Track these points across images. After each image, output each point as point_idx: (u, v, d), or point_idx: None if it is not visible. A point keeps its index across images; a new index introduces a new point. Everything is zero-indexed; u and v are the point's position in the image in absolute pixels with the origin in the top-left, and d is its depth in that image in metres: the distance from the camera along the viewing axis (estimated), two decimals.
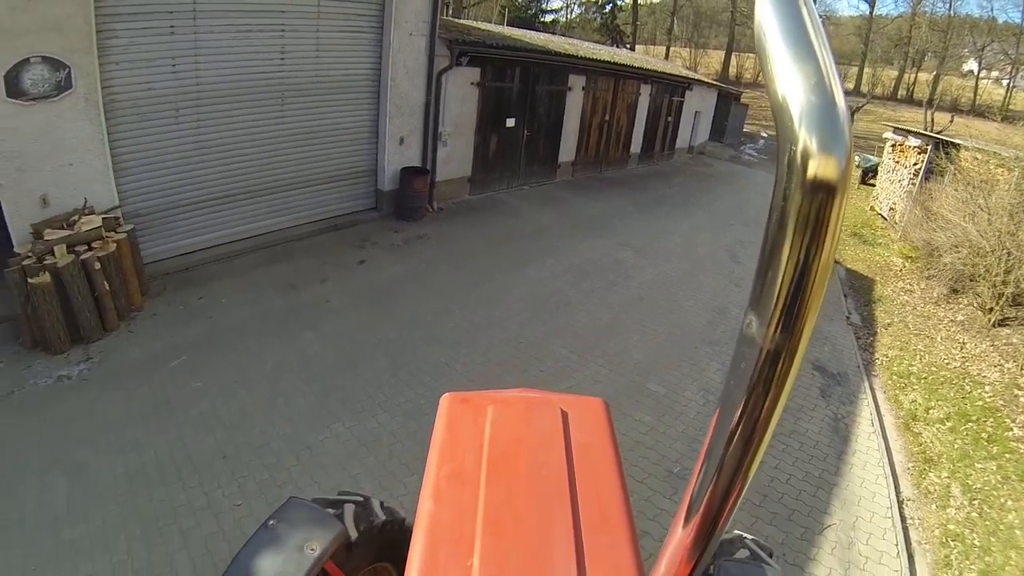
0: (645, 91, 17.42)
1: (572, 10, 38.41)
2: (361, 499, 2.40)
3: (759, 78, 44.45)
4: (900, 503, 5.18)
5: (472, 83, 11.68)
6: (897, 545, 4.61)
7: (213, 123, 8.74)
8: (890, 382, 7.23)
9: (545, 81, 13.42)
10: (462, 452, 1.81)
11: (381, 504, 2.45)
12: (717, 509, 0.93)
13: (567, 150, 15.04)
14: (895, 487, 5.32)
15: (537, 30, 25.11)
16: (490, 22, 25.79)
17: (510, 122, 12.70)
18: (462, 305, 7.53)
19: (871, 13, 43.96)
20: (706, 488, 0.93)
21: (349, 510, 2.27)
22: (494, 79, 12.11)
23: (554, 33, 28.31)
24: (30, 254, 6.60)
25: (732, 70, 44.50)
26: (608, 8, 38.72)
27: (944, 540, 4.89)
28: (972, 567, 4.65)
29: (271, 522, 2.06)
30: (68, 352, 6.28)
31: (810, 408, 6.11)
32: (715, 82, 25.45)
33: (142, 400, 5.47)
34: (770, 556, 2.24)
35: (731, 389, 0.83)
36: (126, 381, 5.79)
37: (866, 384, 6.93)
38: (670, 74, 19.16)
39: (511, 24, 26.71)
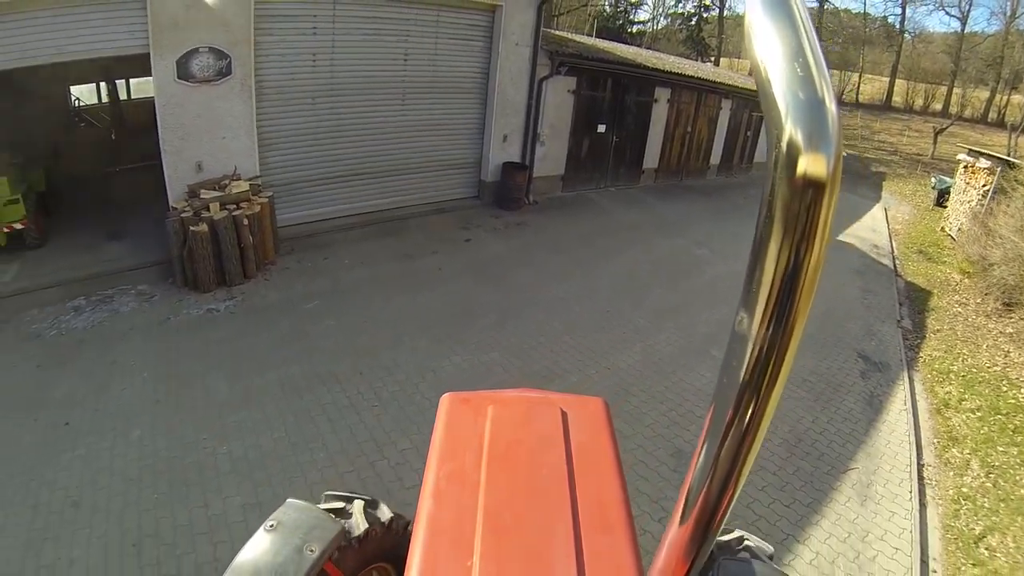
0: (726, 105, 18.12)
1: (658, 21, 38.95)
2: (360, 500, 2.44)
3: (843, 95, 43.57)
4: (920, 466, 6.00)
5: (568, 90, 12.84)
6: (911, 491, 5.46)
7: (343, 112, 10.14)
8: (929, 376, 7.96)
9: (633, 92, 14.44)
10: (462, 452, 1.82)
11: (378, 505, 2.49)
12: (713, 506, 0.93)
13: (651, 157, 15.96)
14: (917, 452, 6.13)
15: (625, 42, 25.95)
16: (581, 32, 26.80)
17: (601, 128, 13.81)
18: (557, 280, 8.74)
19: (962, 31, 42.17)
20: (702, 485, 0.92)
21: (348, 510, 2.31)
22: (588, 88, 13.24)
23: (640, 44, 29.00)
24: (187, 208, 7.99)
25: None
26: (694, 21, 39.02)
27: (956, 499, 5.68)
28: (979, 522, 5.43)
29: (270, 524, 2.07)
30: (214, 292, 7.75)
31: (849, 384, 6.97)
32: None
33: (284, 330, 6.87)
34: (770, 558, 2.24)
35: (724, 386, 0.82)
36: (267, 316, 7.20)
37: (905, 374, 7.66)
38: (751, 90, 19.72)
39: (599, 34, 27.60)
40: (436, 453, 1.83)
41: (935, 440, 6.57)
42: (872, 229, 15.89)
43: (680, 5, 40.27)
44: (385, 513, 2.43)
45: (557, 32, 17.58)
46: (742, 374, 0.77)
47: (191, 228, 7.62)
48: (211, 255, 7.82)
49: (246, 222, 8.01)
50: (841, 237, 14.14)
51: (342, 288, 8.04)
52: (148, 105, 17.87)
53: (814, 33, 0.66)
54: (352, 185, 10.54)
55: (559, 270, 9.16)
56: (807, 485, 5.17)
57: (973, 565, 5.00)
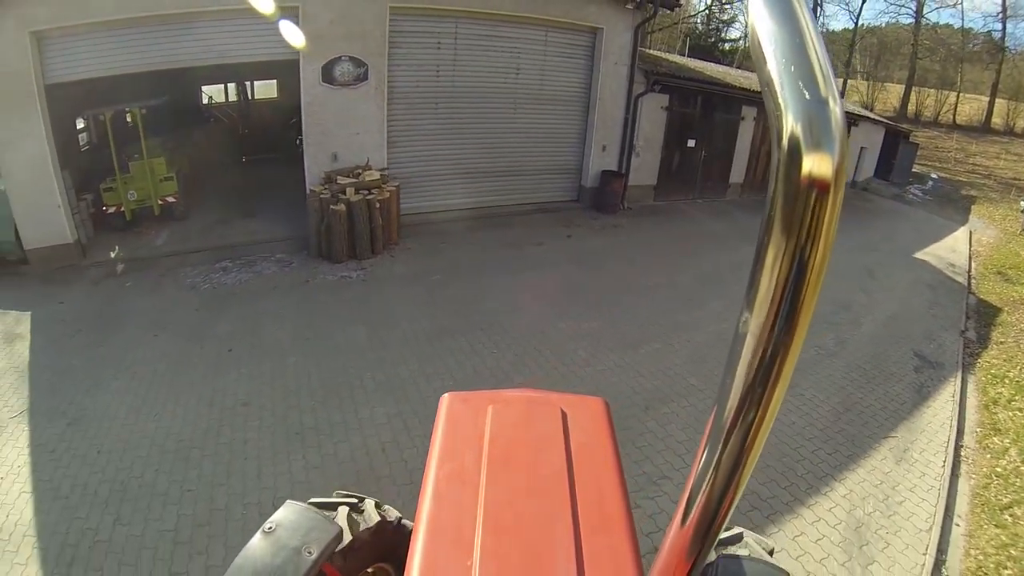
0: None
1: (749, 39, 38.95)
2: (357, 501, 2.44)
3: (939, 115, 41.97)
4: (959, 445, 6.70)
5: (661, 107, 13.88)
6: (945, 462, 6.19)
7: (462, 117, 11.60)
8: (983, 378, 8.50)
9: (721, 109, 15.31)
10: (462, 452, 1.81)
11: (377, 505, 2.50)
12: (715, 507, 0.92)
13: (737, 172, 16.68)
14: (958, 435, 6.79)
15: (716, 60, 26.53)
16: (673, 49, 27.59)
17: (691, 143, 14.79)
18: (647, 272, 9.94)
19: None
20: (704, 486, 0.91)
21: (344, 512, 2.30)
22: (680, 105, 14.23)
23: (731, 62, 29.41)
24: (326, 191, 9.55)
25: (911, 106, 42.19)
26: None
27: (989, 475, 6.31)
28: (1008, 495, 5.99)
29: (269, 526, 2.07)
30: (346, 263, 9.32)
31: (900, 375, 7.73)
32: (883, 119, 25.41)
33: (410, 296, 8.36)
34: (771, 554, 2.27)
35: (727, 387, 0.81)
36: (395, 284, 8.67)
37: (959, 374, 8.21)
38: None
39: (691, 51, 28.26)
40: (436, 452, 1.84)
41: (978, 429, 7.23)
42: (952, 249, 15.99)
43: None
44: (391, 514, 2.46)
45: (651, 51, 18.60)
46: (745, 376, 0.77)
47: (331, 207, 9.22)
48: (346, 232, 9.37)
49: (377, 206, 9.57)
50: (918, 255, 14.42)
51: (459, 267, 9.51)
52: (270, 105, 20.25)
53: (817, 32, 0.65)
54: (467, 182, 12.03)
55: (649, 265, 10.36)
56: (849, 442, 6.13)
57: (996, 526, 5.68)
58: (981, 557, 5.33)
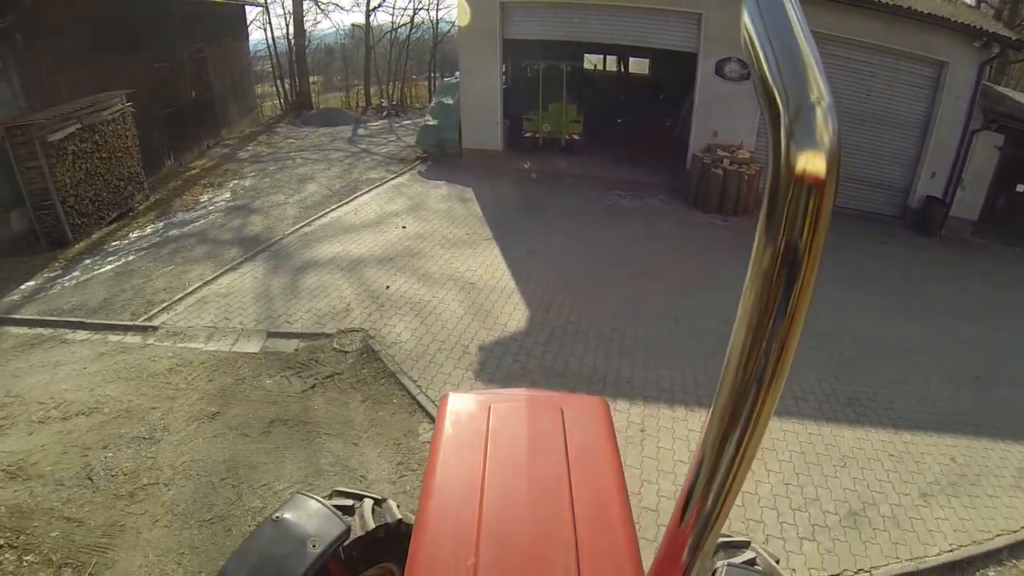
0: None
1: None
2: (372, 500, 2.46)
3: None
4: None
5: (995, 146, 13.85)
6: None
7: None
8: None
9: None
10: (463, 451, 1.86)
11: (380, 503, 2.49)
12: (713, 506, 0.91)
13: None
14: None
15: None
16: None
17: (1020, 187, 14.76)
18: (934, 294, 10.93)
19: None
20: (702, 485, 0.91)
21: (356, 509, 2.32)
22: (1015, 147, 14.10)
23: None
24: (707, 157, 12.25)
25: None
26: None
27: None
28: None
29: (276, 516, 2.09)
30: (713, 214, 12.07)
31: None
32: None
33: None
34: (776, 562, 2.29)
35: (725, 384, 0.81)
36: (747, 238, 11.22)
37: None
38: None
39: None
40: (437, 452, 1.88)
41: None
42: None
43: None
44: (393, 514, 2.42)
45: (998, 87, 18.01)
46: (741, 375, 0.77)
47: (712, 170, 12.08)
48: (719, 190, 12.18)
49: (746, 178, 12.22)
50: None
51: None
52: (643, 80, 24.43)
53: (809, 32, 0.66)
54: None
55: (937, 287, 11.39)
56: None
57: None
58: None
